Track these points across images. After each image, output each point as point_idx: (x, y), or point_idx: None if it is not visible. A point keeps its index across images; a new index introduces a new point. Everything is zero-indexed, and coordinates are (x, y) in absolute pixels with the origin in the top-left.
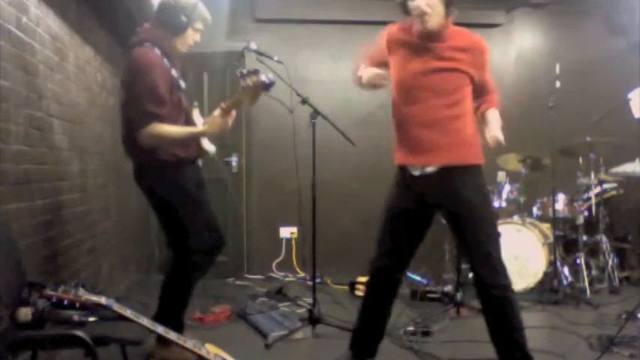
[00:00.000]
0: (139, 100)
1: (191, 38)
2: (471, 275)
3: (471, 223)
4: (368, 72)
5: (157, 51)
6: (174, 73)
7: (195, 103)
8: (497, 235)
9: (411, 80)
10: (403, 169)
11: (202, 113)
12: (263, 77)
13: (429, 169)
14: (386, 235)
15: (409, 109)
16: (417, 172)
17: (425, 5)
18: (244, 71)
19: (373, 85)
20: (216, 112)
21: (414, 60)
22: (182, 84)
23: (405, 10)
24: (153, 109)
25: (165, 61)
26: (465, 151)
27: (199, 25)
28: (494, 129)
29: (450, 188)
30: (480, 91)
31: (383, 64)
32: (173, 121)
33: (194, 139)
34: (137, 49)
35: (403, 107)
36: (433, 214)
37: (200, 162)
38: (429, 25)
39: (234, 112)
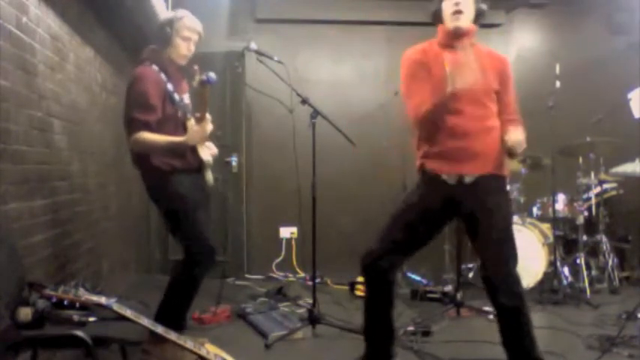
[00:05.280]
0: (129, 108)
1: (183, 48)
2: (475, 279)
3: (497, 231)
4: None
5: (155, 67)
6: (170, 87)
7: (189, 115)
8: (516, 248)
9: (450, 93)
10: (433, 177)
11: None
12: (203, 76)
13: (468, 179)
14: (397, 226)
15: (447, 120)
16: (452, 181)
17: (461, 4)
18: (195, 70)
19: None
20: (192, 121)
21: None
22: (178, 97)
23: (436, 18)
24: (140, 117)
25: (162, 75)
26: (499, 161)
27: (186, 34)
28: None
29: (485, 196)
30: (501, 114)
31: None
32: (167, 132)
33: (186, 149)
34: (137, 68)
35: (440, 119)
36: (449, 221)
37: (210, 176)
38: (461, 24)
39: (209, 117)
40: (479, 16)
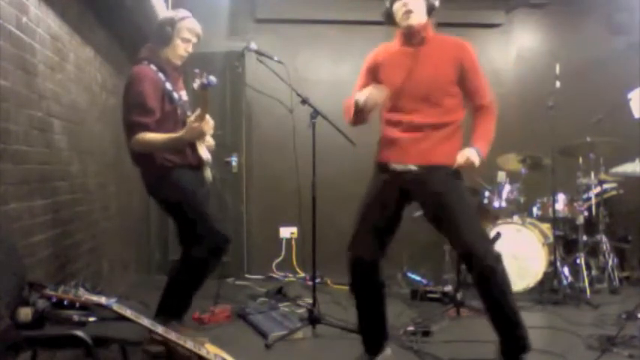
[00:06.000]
0: (127, 111)
1: (181, 49)
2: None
3: (457, 209)
4: (360, 94)
5: (153, 67)
6: (168, 86)
7: (188, 113)
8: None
9: (400, 89)
10: (386, 166)
11: None
12: (204, 79)
13: (412, 167)
14: (364, 221)
15: (396, 115)
16: (399, 168)
17: (409, 4)
18: (196, 73)
19: (371, 104)
20: (192, 118)
21: (400, 69)
22: (176, 96)
23: (390, 19)
24: (139, 119)
25: (160, 75)
26: (450, 153)
27: (187, 35)
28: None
29: (438, 185)
30: (472, 100)
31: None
32: (166, 130)
33: (185, 145)
34: (134, 67)
35: (391, 113)
36: (404, 207)
37: (209, 173)
38: (412, 22)
39: (210, 119)
40: (431, 11)
